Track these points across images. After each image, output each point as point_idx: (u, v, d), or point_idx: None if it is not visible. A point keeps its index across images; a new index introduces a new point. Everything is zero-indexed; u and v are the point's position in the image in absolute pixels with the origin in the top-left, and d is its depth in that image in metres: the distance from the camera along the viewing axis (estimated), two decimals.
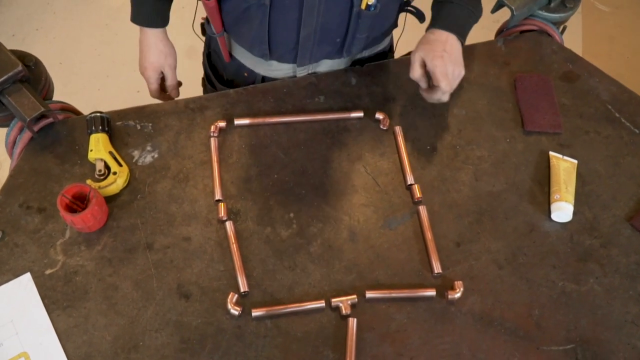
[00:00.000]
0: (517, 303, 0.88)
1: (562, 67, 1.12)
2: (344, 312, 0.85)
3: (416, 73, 0.96)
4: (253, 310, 0.85)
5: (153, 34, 1.06)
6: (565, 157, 1.00)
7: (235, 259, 0.89)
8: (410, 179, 0.97)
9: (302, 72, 1.09)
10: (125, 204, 0.93)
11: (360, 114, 1.03)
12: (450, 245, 0.93)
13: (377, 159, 1.00)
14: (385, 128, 1.03)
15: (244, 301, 0.87)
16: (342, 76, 1.08)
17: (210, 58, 1.18)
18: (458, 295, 0.87)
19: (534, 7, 1.13)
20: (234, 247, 0.89)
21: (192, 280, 0.88)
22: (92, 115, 0.96)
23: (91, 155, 0.93)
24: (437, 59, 0.92)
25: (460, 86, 1.07)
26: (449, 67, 0.93)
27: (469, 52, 1.12)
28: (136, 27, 1.05)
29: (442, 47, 0.93)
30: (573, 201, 0.95)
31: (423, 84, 0.99)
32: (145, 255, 0.89)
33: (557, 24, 1.17)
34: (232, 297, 0.85)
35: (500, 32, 1.22)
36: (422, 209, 0.94)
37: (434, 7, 1.01)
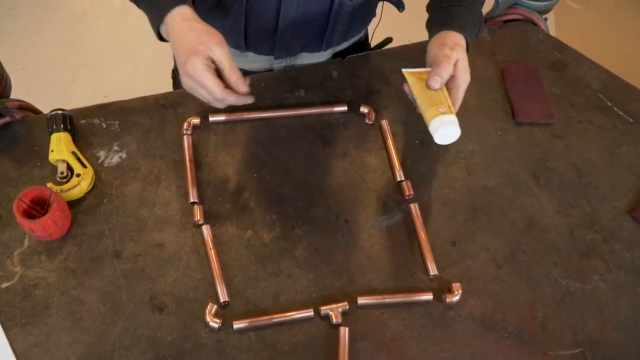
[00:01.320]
0: (520, 304, 0.83)
1: (550, 56, 1.08)
2: (334, 320, 0.78)
3: (446, 73, 0.83)
4: (235, 322, 0.77)
5: (181, 14, 0.77)
6: (421, 69, 0.89)
7: (214, 266, 0.81)
8: (399, 175, 0.91)
9: (279, 65, 1.02)
10: (90, 208, 0.85)
11: (344, 108, 0.97)
12: (446, 245, 0.87)
13: (363, 155, 0.94)
14: (370, 122, 0.97)
15: (225, 312, 0.79)
16: (323, 69, 1.01)
17: None
18: (456, 298, 0.81)
19: None
20: (211, 253, 0.82)
21: (166, 291, 0.80)
22: (53, 112, 0.87)
23: (52, 157, 0.85)
24: (467, 72, 0.85)
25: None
26: (469, 71, 0.85)
27: None
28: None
29: (463, 46, 0.85)
30: (450, 108, 0.83)
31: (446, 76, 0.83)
32: (113, 264, 0.81)
33: (541, 12, 1.13)
34: (211, 308, 0.77)
35: (484, 22, 1.17)
36: (414, 207, 0.88)
37: (441, 10, 0.90)
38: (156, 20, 0.80)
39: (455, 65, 0.82)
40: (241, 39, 0.94)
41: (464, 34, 0.85)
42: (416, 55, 1.04)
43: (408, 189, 0.89)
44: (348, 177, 0.91)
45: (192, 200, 0.86)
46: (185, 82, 0.78)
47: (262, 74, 1.00)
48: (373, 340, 0.78)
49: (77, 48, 2.18)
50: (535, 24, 1.12)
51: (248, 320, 0.77)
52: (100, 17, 2.24)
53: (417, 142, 0.96)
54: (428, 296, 0.81)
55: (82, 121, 0.92)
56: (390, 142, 0.94)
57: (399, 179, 0.91)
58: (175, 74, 1.19)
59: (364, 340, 0.78)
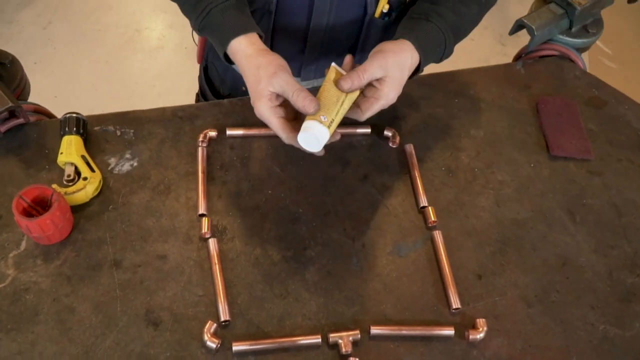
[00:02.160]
0: (551, 348, 0.74)
1: (587, 93, 1.03)
2: (343, 350, 0.70)
3: (365, 80, 0.75)
4: (234, 344, 0.70)
5: (240, 47, 0.76)
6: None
7: (217, 282, 0.75)
8: (423, 201, 0.85)
9: (306, 87, 1.00)
10: (94, 214, 0.81)
11: (368, 130, 0.93)
12: (470, 278, 0.80)
13: (385, 178, 0.88)
14: (394, 146, 0.92)
15: (224, 333, 0.72)
16: None
17: (207, 71, 1.10)
18: (481, 335, 0.73)
19: (554, 29, 1.05)
20: (216, 268, 0.76)
21: (164, 306, 0.74)
22: (67, 115, 0.85)
23: (61, 159, 0.82)
24: (394, 91, 0.77)
25: (477, 107, 0.98)
26: (391, 103, 0.78)
27: (485, 73, 1.04)
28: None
29: (406, 74, 0.79)
30: (334, 122, 0.74)
31: (346, 89, 0.75)
32: (111, 273, 0.75)
33: (579, 50, 1.09)
34: (210, 327, 0.71)
35: (518, 58, 1.14)
36: (437, 234, 0.82)
37: (406, 21, 0.85)
38: (219, 48, 0.80)
39: (382, 80, 0.76)
40: None
41: (418, 49, 0.79)
42: (447, 84, 1.01)
43: (432, 216, 0.83)
44: (368, 200, 0.86)
45: (200, 212, 0.81)
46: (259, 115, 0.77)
47: None
48: None
49: (110, 80, 2.22)
50: (572, 60, 1.08)
51: (249, 342, 0.70)
52: (136, 51, 2.30)
53: (443, 169, 0.90)
54: (449, 331, 0.73)
55: (97, 127, 0.89)
56: (414, 166, 0.89)
57: (422, 205, 0.85)
58: (198, 99, 1.17)
59: None
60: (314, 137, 0.72)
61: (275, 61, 0.74)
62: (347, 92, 0.75)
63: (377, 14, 0.87)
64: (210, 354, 0.70)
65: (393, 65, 0.76)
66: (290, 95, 0.72)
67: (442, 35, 0.82)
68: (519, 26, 1.05)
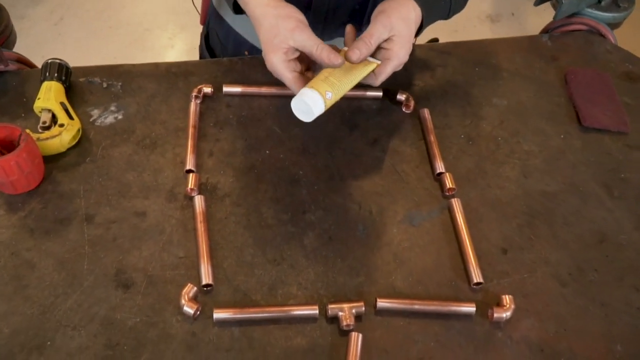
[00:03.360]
0: (591, 334, 0.62)
1: (620, 67, 0.94)
2: (344, 323, 0.60)
3: (374, 45, 0.68)
4: (215, 311, 0.60)
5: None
6: (370, 59, 0.71)
7: (200, 242, 0.65)
8: (440, 167, 0.75)
9: None
10: (69, 166, 0.72)
11: (379, 93, 0.83)
12: (494, 251, 0.69)
13: (397, 143, 0.79)
14: (408, 111, 0.83)
15: (205, 299, 0.62)
16: None
17: (209, 39, 1.02)
18: (507, 314, 0.62)
19: (583, 1, 0.97)
20: (200, 226, 0.66)
21: (138, 266, 0.64)
22: (49, 60, 0.77)
23: (37, 104, 0.73)
24: (404, 50, 0.70)
25: (499, 75, 0.89)
26: (403, 62, 0.71)
27: (507, 44, 0.95)
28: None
29: (413, 28, 0.71)
30: (327, 91, 0.65)
31: (355, 60, 0.68)
32: (81, 228, 0.66)
33: (609, 25, 1.01)
34: (189, 290, 0.61)
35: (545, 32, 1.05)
36: (456, 202, 0.71)
37: None
38: None
39: (390, 40, 0.69)
40: None
41: (420, 5, 0.71)
42: (465, 53, 0.92)
43: (450, 182, 0.73)
44: (377, 165, 0.76)
45: (188, 168, 0.72)
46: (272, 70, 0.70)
47: None
48: (393, 355, 0.59)
49: None
50: (602, 35, 0.99)
51: (233, 310, 0.60)
52: (145, 49, 2.26)
53: (462, 136, 0.81)
54: (470, 308, 0.62)
55: (82, 79, 0.81)
56: (430, 131, 0.79)
57: (439, 171, 0.75)
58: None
59: (381, 354, 0.59)
60: (307, 106, 0.65)
61: (294, 15, 0.68)
62: (357, 63, 0.68)
63: None
64: (187, 322, 0.60)
65: (398, 22, 0.69)
66: (314, 50, 0.66)
67: None
68: None
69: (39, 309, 0.60)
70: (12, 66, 0.81)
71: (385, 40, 0.69)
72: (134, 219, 0.67)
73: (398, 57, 0.69)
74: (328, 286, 0.64)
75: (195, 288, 0.61)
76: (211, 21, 1.00)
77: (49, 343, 0.57)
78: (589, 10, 1.00)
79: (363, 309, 0.61)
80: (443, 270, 0.67)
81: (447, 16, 0.78)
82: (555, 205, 0.74)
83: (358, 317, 0.62)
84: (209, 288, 0.62)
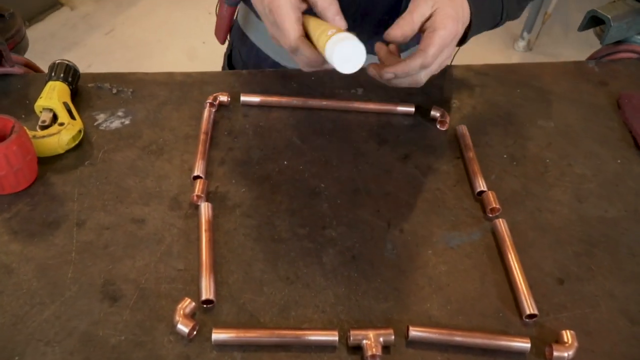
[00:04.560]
0: None
1: None
2: (369, 354, 0.49)
3: (416, 23, 0.61)
4: (215, 331, 0.50)
5: None
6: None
7: (203, 252, 0.56)
8: (481, 185, 0.66)
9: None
10: (65, 168, 0.64)
11: (411, 109, 0.76)
12: (549, 281, 0.58)
13: (431, 160, 0.70)
14: (443, 128, 0.75)
15: (204, 318, 0.52)
16: None
17: (231, 59, 0.97)
18: (570, 354, 0.51)
19: (633, 25, 0.90)
20: (204, 236, 0.57)
21: (128, 277, 0.55)
22: (58, 61, 0.72)
23: (38, 103, 0.68)
24: (450, 20, 0.61)
25: (544, 98, 0.81)
26: (451, 42, 0.63)
27: (552, 68, 0.88)
28: None
29: (460, 11, 0.63)
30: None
31: (409, 38, 0.62)
32: (69, 234, 0.58)
33: None
34: (185, 306, 0.51)
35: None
36: (502, 223, 0.62)
37: None
38: None
39: (432, 15, 0.61)
40: None
41: (471, 7, 0.64)
42: (506, 74, 0.85)
43: (494, 201, 0.64)
44: (408, 181, 0.67)
45: (195, 174, 0.64)
46: (269, 27, 0.61)
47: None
48: None
49: None
50: None
51: (235, 331, 0.50)
52: None
53: (505, 156, 0.72)
54: (524, 344, 0.51)
55: (91, 84, 0.76)
56: (469, 147, 0.71)
57: (480, 189, 0.66)
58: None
59: None
60: (358, 49, 0.51)
61: None
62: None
63: None
64: (181, 343, 0.50)
65: (445, 4, 0.62)
66: (321, 2, 0.57)
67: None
68: (590, 19, 0.90)
69: (10, 319, 0.50)
70: (19, 70, 0.76)
71: (428, 18, 0.61)
72: (131, 225, 0.59)
73: (445, 26, 0.60)
74: (350, 310, 0.54)
75: (193, 304, 0.52)
76: (235, 40, 0.95)
77: (16, 358, 0.48)
78: (639, 37, 0.93)
79: (392, 337, 0.50)
80: (488, 298, 0.56)
81: (500, 20, 0.71)
82: (618, 234, 0.64)
83: (386, 348, 0.51)
84: (209, 305, 0.53)
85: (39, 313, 0.51)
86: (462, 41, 0.70)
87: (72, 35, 2.58)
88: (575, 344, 0.51)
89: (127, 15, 2.80)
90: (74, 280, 0.54)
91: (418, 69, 0.60)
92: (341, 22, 0.57)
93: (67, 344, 0.49)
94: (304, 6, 0.59)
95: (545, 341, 0.52)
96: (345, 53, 0.51)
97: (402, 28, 0.61)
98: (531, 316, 0.54)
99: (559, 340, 0.52)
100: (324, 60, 0.57)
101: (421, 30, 0.63)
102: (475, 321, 0.54)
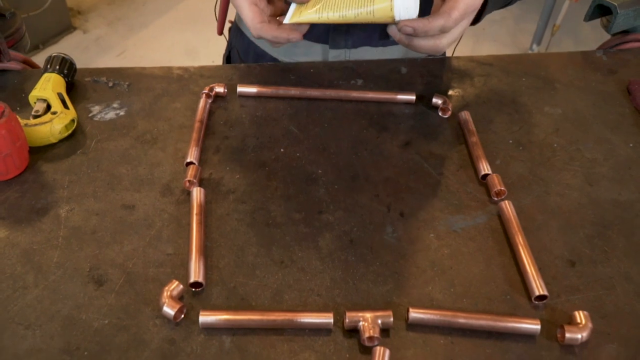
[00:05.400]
0: None
1: None
2: (366, 336, 0.46)
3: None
4: (202, 313, 0.47)
5: None
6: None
7: (193, 235, 0.54)
8: (486, 169, 0.63)
9: (336, 58, 0.84)
10: (57, 157, 0.63)
11: (412, 97, 0.74)
12: (559, 263, 0.55)
13: (433, 146, 0.68)
14: (445, 116, 0.72)
15: (193, 302, 0.50)
16: (389, 64, 0.81)
17: (230, 60, 0.97)
18: (583, 335, 0.47)
19: None
20: (195, 219, 0.55)
21: (116, 262, 0.52)
22: (54, 54, 0.72)
23: (32, 94, 0.67)
24: None
25: (550, 86, 0.79)
26: (473, 12, 0.61)
27: (557, 57, 0.86)
28: None
29: None
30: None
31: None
32: (57, 219, 0.56)
33: None
34: (172, 288, 0.49)
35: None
36: (508, 205, 0.59)
37: None
38: None
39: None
40: None
41: None
42: (509, 65, 0.83)
43: (498, 183, 0.61)
44: (410, 166, 0.65)
45: (188, 160, 0.62)
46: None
47: (312, 62, 0.82)
48: None
49: None
50: None
51: (224, 313, 0.47)
52: None
53: (510, 141, 0.69)
54: (533, 325, 0.48)
55: (88, 78, 0.75)
56: (472, 132, 0.68)
57: (484, 173, 0.63)
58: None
59: None
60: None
61: None
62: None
63: None
64: (167, 327, 0.47)
65: None
66: None
67: None
68: (596, 9, 0.88)
69: None
70: (17, 65, 0.76)
71: None
72: (120, 211, 0.57)
73: (464, 12, 0.58)
74: (347, 294, 0.51)
75: (181, 286, 0.49)
76: (233, 40, 0.95)
77: None
78: None
79: (391, 319, 0.47)
80: (495, 281, 0.53)
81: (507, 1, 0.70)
82: (632, 216, 0.60)
83: (384, 332, 0.48)
84: (198, 289, 0.50)
85: (21, 297, 0.49)
86: (476, 19, 0.68)
87: (84, 57, 2.62)
88: (590, 324, 0.47)
89: (138, 37, 2.85)
90: (59, 264, 0.52)
91: (438, 31, 0.58)
92: None
93: (48, 327, 0.47)
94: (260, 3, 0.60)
95: (557, 324, 0.49)
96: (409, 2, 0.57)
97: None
98: (541, 297, 0.50)
99: (571, 322, 0.48)
100: (288, 36, 0.60)
101: None
102: (481, 304, 0.51)
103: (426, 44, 0.61)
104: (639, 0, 0.87)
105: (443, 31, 0.59)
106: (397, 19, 0.58)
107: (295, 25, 0.62)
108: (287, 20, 0.60)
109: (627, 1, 0.86)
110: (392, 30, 0.62)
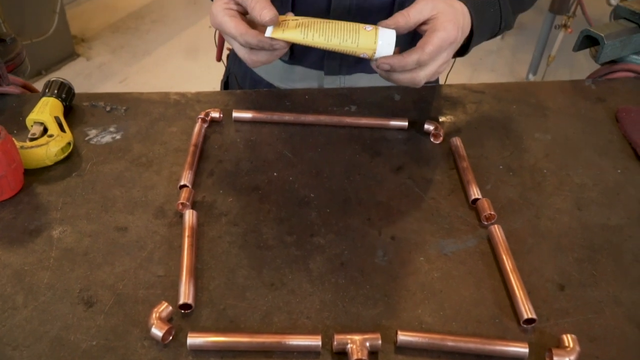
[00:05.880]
0: None
1: None
2: (354, 358, 0.46)
3: (412, 18, 0.62)
4: (190, 335, 0.47)
5: None
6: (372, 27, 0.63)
7: (184, 257, 0.54)
8: (476, 193, 0.64)
9: (331, 85, 0.86)
10: (52, 179, 0.64)
11: (404, 123, 0.75)
12: (548, 287, 0.55)
13: (425, 171, 0.69)
14: (437, 141, 0.73)
15: (182, 323, 0.50)
16: (382, 91, 0.83)
17: (228, 85, 0.98)
18: (571, 359, 0.47)
19: (627, 44, 0.90)
20: (187, 241, 0.56)
21: (106, 283, 0.53)
22: (53, 79, 0.74)
23: (30, 117, 0.68)
24: (451, 24, 0.61)
25: (541, 113, 0.80)
26: (450, 46, 0.63)
27: (548, 86, 0.87)
28: None
29: (461, 19, 0.64)
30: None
31: (402, 30, 0.62)
32: (49, 241, 0.56)
33: None
34: (162, 309, 0.49)
35: None
36: (497, 229, 0.59)
37: None
38: None
39: (433, 17, 0.62)
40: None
41: (466, 3, 0.66)
42: (501, 93, 0.84)
43: (488, 208, 0.61)
44: (402, 191, 0.65)
45: (182, 183, 0.63)
46: (231, 44, 0.66)
47: (307, 89, 0.83)
48: None
49: None
50: None
51: (213, 335, 0.47)
52: None
53: (501, 167, 0.70)
54: (521, 349, 0.48)
55: (86, 103, 0.77)
56: (463, 158, 0.69)
57: (474, 197, 0.63)
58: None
59: None
60: (389, 35, 0.61)
61: None
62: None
63: None
64: (155, 348, 0.47)
65: (443, 6, 0.62)
66: (248, 2, 0.61)
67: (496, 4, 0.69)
68: (585, 39, 0.90)
69: None
70: (16, 89, 0.78)
71: (428, 19, 0.62)
72: (113, 233, 0.58)
73: (445, 29, 0.60)
74: (337, 316, 0.51)
75: (170, 308, 0.49)
76: (231, 66, 0.97)
77: None
78: (635, 57, 0.93)
79: (379, 342, 0.47)
80: (484, 305, 0.53)
81: (498, 31, 0.72)
82: (621, 241, 0.60)
83: (373, 354, 0.48)
84: (187, 310, 0.50)
85: (10, 317, 0.49)
86: (464, 51, 0.70)
87: (87, 83, 2.66)
88: (577, 348, 0.47)
89: (141, 64, 2.89)
90: (49, 285, 0.52)
91: (414, 65, 0.60)
92: (270, 12, 0.59)
93: (36, 348, 0.47)
94: (234, 8, 0.62)
95: (545, 347, 0.49)
96: (387, 37, 0.61)
97: (395, 18, 0.62)
98: (530, 321, 0.50)
99: (559, 345, 0.48)
100: (271, 41, 0.61)
101: (421, 32, 0.63)
102: (471, 327, 0.51)
103: (404, 78, 0.63)
104: (625, 31, 0.90)
105: (420, 65, 0.61)
106: (377, 56, 0.61)
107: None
108: (268, 34, 0.61)
109: (614, 32, 0.88)
110: (373, 65, 0.64)
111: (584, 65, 2.91)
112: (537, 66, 2.67)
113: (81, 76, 2.72)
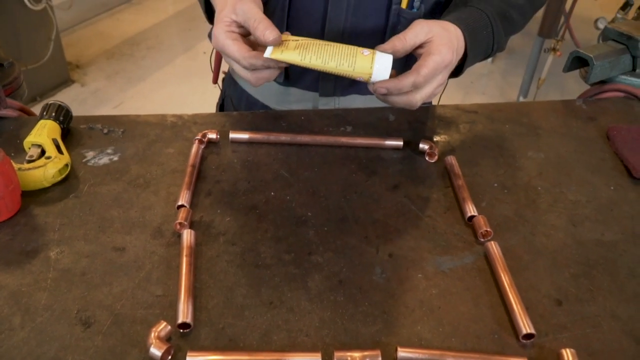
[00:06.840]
0: None
1: None
2: None
3: (408, 42, 0.64)
4: (189, 354, 0.47)
5: None
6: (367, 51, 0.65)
7: (183, 277, 0.54)
8: (472, 210, 0.64)
9: (326, 107, 0.87)
10: (49, 201, 0.64)
11: (400, 143, 0.76)
12: (546, 302, 0.55)
13: (421, 189, 0.69)
14: (432, 160, 0.74)
15: (180, 343, 0.49)
16: (377, 112, 0.84)
17: (223, 108, 0.99)
18: None
19: (616, 64, 0.92)
20: (185, 260, 0.56)
21: (104, 303, 0.52)
22: (51, 102, 0.74)
23: (27, 139, 0.68)
24: (445, 47, 0.64)
25: (534, 132, 0.82)
26: (445, 68, 0.65)
27: (539, 106, 0.89)
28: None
29: (455, 42, 0.66)
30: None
31: (399, 54, 0.64)
32: (47, 262, 0.56)
33: None
34: (160, 329, 0.49)
35: None
36: (494, 246, 0.60)
37: (454, 5, 0.77)
38: None
39: (428, 41, 0.64)
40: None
41: (460, 25, 0.68)
42: (493, 113, 0.86)
43: (484, 225, 0.62)
44: (399, 209, 0.66)
45: (180, 203, 0.63)
46: (230, 65, 0.69)
47: (303, 110, 0.84)
48: None
49: None
50: None
51: (212, 354, 0.47)
52: None
53: (495, 185, 0.71)
54: None
55: (83, 126, 0.77)
56: (458, 176, 0.70)
57: (470, 214, 0.64)
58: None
59: None
60: (385, 60, 0.63)
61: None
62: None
63: (403, 4, 0.76)
64: None
65: (438, 29, 0.64)
66: (250, 22, 0.62)
67: (485, 17, 0.71)
68: (575, 60, 0.92)
69: None
70: (13, 113, 0.78)
71: (424, 42, 0.64)
72: (111, 253, 0.58)
73: (440, 52, 0.63)
74: (336, 334, 0.51)
75: (169, 327, 0.49)
76: (227, 88, 0.98)
77: None
78: (624, 77, 0.95)
79: (379, 359, 0.47)
80: (483, 320, 0.53)
81: (490, 53, 0.74)
82: (616, 256, 0.61)
83: None
84: (186, 330, 0.50)
85: (7, 339, 0.49)
86: (458, 72, 0.72)
87: (81, 109, 2.67)
88: None
89: (136, 90, 2.91)
90: (46, 307, 0.52)
91: (410, 87, 0.62)
92: (273, 33, 0.61)
93: None
94: (236, 30, 0.64)
95: None
96: (384, 61, 0.62)
97: (392, 42, 0.63)
98: (528, 336, 0.50)
99: (559, 359, 0.48)
100: (277, 64, 0.63)
101: (417, 55, 0.65)
102: (470, 343, 0.51)
103: (400, 100, 0.64)
104: (614, 52, 0.92)
105: (416, 87, 0.63)
106: (373, 80, 0.63)
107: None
108: (267, 54, 0.62)
109: (603, 53, 0.91)
110: (370, 87, 0.65)
111: (573, 88, 2.96)
112: (527, 89, 2.71)
113: (76, 102, 2.73)
